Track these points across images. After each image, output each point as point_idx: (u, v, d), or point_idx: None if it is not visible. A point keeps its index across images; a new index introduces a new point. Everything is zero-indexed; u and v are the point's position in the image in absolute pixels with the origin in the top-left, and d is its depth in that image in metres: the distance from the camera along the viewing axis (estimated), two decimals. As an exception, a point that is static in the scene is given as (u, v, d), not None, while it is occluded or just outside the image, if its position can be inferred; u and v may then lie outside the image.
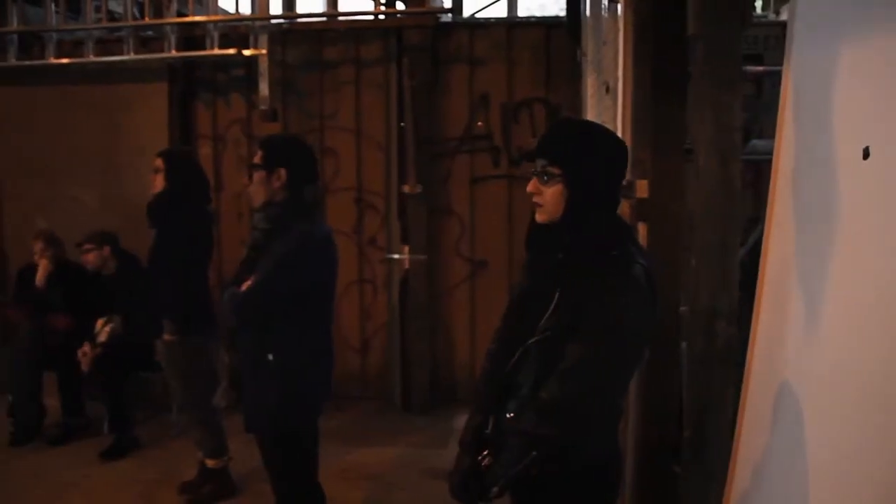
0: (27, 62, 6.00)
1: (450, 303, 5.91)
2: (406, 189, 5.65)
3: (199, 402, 4.41)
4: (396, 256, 5.79)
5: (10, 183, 6.26)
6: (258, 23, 5.55)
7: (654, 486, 3.10)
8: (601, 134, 2.25)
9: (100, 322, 5.14)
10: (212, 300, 4.35)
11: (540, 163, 2.14)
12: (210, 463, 4.45)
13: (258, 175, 3.13)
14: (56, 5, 5.82)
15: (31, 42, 6.09)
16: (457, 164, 5.81)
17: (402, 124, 5.67)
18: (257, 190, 3.14)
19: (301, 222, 3.07)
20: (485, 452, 2.22)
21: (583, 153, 2.12)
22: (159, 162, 4.22)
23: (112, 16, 6.00)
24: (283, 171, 3.09)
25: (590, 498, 2.24)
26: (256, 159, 3.17)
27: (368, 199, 5.86)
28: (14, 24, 5.96)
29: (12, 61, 5.98)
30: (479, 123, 5.80)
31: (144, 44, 5.89)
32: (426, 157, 5.68)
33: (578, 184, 2.09)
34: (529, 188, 2.15)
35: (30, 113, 6.14)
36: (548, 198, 2.12)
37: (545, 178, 2.11)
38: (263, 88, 5.53)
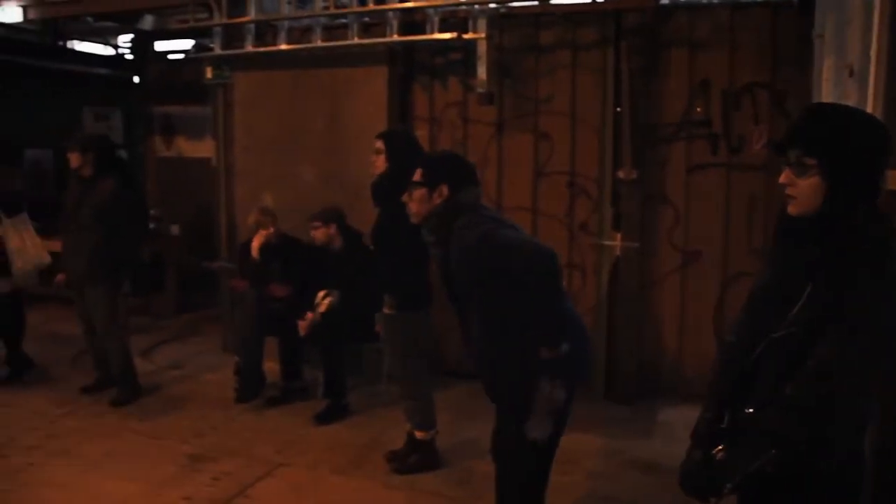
0: (262, 49, 6.42)
1: (659, 293, 5.74)
2: (621, 175, 5.54)
3: (412, 375, 4.54)
4: (607, 243, 5.69)
5: (243, 160, 6.72)
6: (477, 7, 5.62)
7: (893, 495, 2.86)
8: (862, 120, 2.08)
9: (321, 294, 5.40)
10: (430, 277, 4.46)
11: (794, 153, 2.01)
12: (418, 434, 4.58)
13: (419, 193, 3.20)
14: (289, -5, 6.20)
15: (264, 30, 6.51)
16: (673, 151, 5.62)
17: (618, 109, 5.55)
18: (418, 207, 3.22)
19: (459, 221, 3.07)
20: (719, 447, 2.13)
21: (842, 142, 1.97)
22: (380, 143, 4.37)
23: (338, 3, 6.28)
24: (444, 188, 3.15)
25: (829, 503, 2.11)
26: (417, 177, 3.23)
27: (581, 183, 5.79)
28: (252, 15, 6.40)
29: (249, 48, 6.43)
30: (698, 109, 5.58)
31: (367, 29, 6.13)
32: (642, 142, 5.55)
33: (838, 175, 1.95)
34: (782, 180, 2.03)
35: (264, 96, 6.58)
36: (802, 190, 2.00)
37: (800, 169, 1.99)
38: (481, 72, 5.60)
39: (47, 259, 6.28)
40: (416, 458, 4.58)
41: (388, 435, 5.02)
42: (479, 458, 4.04)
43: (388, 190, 4.26)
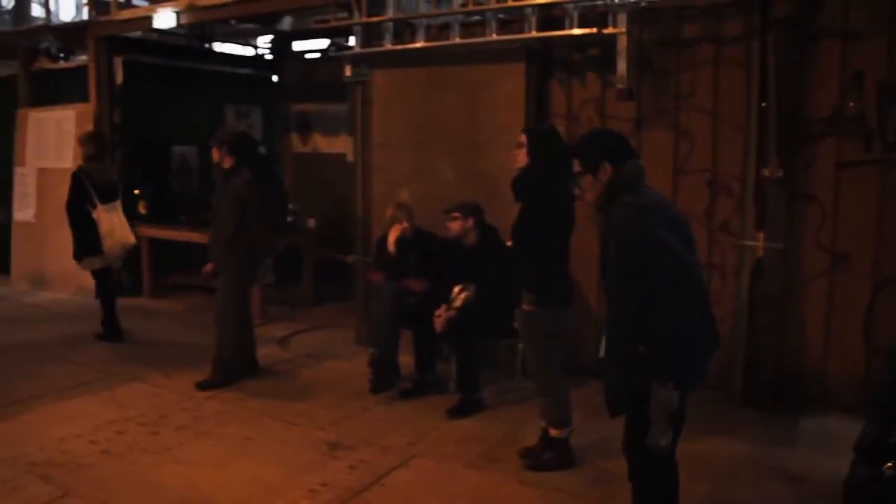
0: (400, 47, 6.53)
1: (804, 296, 5.49)
2: (766, 173, 5.33)
3: (549, 372, 4.53)
4: (749, 243, 5.49)
5: (379, 156, 6.85)
6: (617, 1, 5.53)
7: None
8: None
9: (456, 288, 5.46)
10: (570, 275, 4.44)
11: None
12: (553, 432, 4.56)
13: (586, 181, 3.24)
14: (427, -6, 6.30)
15: (402, 28, 6.62)
16: (822, 148, 5.35)
17: (763, 104, 5.36)
18: (592, 193, 3.24)
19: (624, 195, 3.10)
20: (889, 463, 2.03)
21: None
22: (523, 138, 4.37)
23: (476, 0, 6.31)
24: (606, 165, 3.16)
25: None
26: (576, 168, 3.26)
27: (723, 181, 5.61)
28: (391, 13, 6.52)
29: (388, 46, 6.55)
30: (851, 104, 5.30)
31: (504, 26, 6.13)
32: (789, 139, 5.33)
33: None
34: None
35: (401, 92, 6.70)
36: None
37: None
38: (621, 67, 5.51)
39: (132, 240, 7.36)
40: (550, 456, 4.56)
41: (521, 431, 5.02)
42: (613, 457, 3.99)
43: (528, 185, 4.26)
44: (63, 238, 8.10)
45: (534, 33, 5.88)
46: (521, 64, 6.08)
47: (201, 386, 5.95)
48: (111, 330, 7.40)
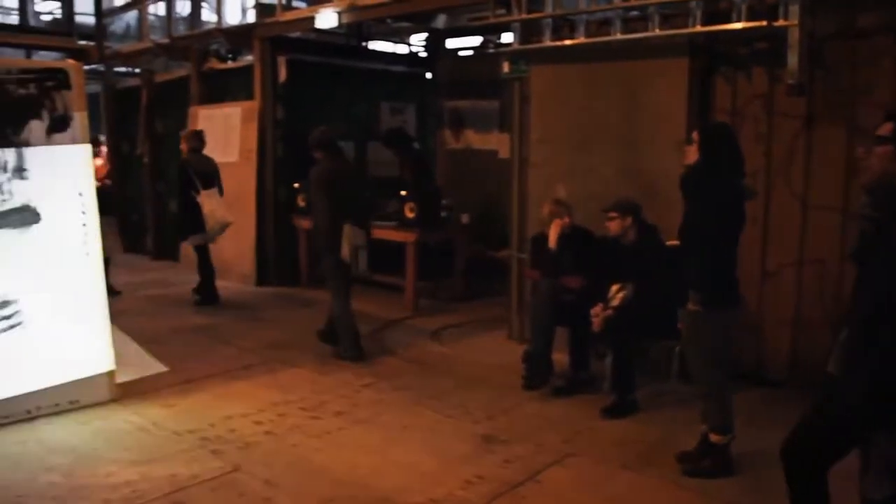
0: (559, 43, 6.49)
1: None
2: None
3: (713, 376, 4.41)
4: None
5: (536, 152, 6.85)
6: (790, -8, 5.31)
7: None
8: None
9: (615, 287, 5.40)
10: (737, 276, 4.30)
11: None
12: (714, 438, 4.43)
13: (883, 150, 2.80)
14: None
15: (560, 24, 6.58)
16: None
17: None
18: (876, 166, 2.82)
19: None
20: None
21: None
22: (695, 135, 4.25)
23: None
24: None
25: None
26: (883, 131, 2.83)
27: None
28: (550, 9, 6.50)
29: (547, 43, 6.54)
30: None
31: (667, 20, 5.99)
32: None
33: None
34: None
35: (559, 89, 6.68)
36: None
37: None
38: (792, 61, 5.26)
39: (231, 220, 8.44)
40: (710, 462, 4.43)
41: (677, 435, 4.90)
42: (772, 467, 3.82)
43: (696, 182, 4.16)
44: (231, 228, 8.61)
45: (699, 27, 5.71)
46: (683, 59, 5.94)
47: (335, 355, 6.65)
48: (208, 297, 8.68)
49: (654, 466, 4.57)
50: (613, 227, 5.41)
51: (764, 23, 5.36)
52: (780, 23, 5.32)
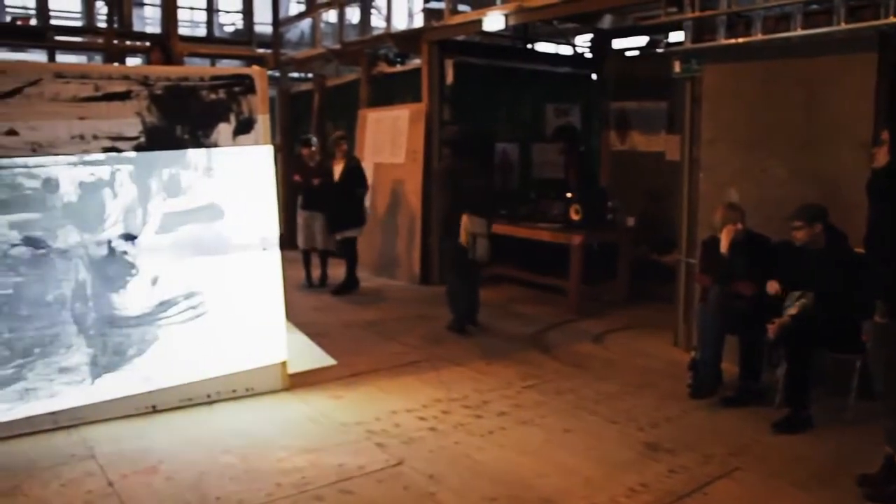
0: (735, 41, 6.26)
1: None
2: None
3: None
4: None
5: (707, 154, 6.62)
6: None
7: None
8: None
9: (794, 295, 5.15)
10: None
11: None
12: (900, 461, 4.14)
13: None
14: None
15: (734, 21, 6.35)
16: None
17: None
18: None
19: None
20: None
21: None
22: (885, 135, 3.99)
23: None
24: None
25: None
26: None
27: None
28: (725, 6, 6.28)
29: (721, 41, 6.32)
30: None
31: (852, 13, 5.65)
32: None
33: None
34: None
35: (732, 88, 6.42)
36: None
37: None
38: None
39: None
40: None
41: (854, 456, 4.60)
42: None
43: (885, 186, 3.91)
44: (398, 228, 8.85)
45: (892, 18, 5.34)
46: (872, 54, 5.56)
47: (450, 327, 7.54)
48: (349, 284, 9.45)
49: (830, 488, 4.31)
50: (800, 236, 5.14)
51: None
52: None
